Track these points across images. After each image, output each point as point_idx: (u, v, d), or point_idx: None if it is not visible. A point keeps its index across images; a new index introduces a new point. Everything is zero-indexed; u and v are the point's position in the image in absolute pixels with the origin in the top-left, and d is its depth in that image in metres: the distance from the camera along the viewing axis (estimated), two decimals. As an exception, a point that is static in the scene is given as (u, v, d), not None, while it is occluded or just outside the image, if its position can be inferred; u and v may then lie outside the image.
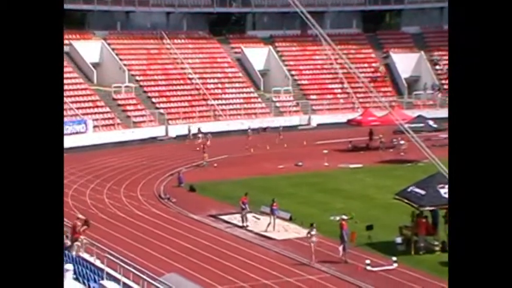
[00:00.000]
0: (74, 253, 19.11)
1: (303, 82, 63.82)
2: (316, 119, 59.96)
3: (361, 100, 61.49)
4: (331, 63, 64.64)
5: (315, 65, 65.16)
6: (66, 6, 58.21)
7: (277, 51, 65.18)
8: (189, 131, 52.75)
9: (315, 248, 24.49)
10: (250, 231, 29.14)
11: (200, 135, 50.25)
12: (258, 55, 63.71)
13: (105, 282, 14.01)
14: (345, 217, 27.07)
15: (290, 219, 30.43)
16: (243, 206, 29.79)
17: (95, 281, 15.34)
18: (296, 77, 63.86)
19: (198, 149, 46.59)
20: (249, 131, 53.10)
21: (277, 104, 60.89)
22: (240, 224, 29.72)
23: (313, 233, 24.80)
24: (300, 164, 42.56)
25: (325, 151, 45.15)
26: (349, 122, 52.92)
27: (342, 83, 63.65)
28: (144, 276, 14.00)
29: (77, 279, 12.93)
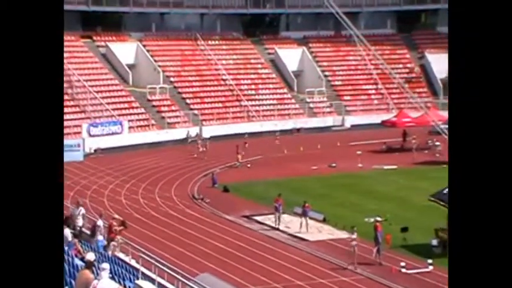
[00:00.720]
0: (110, 253, 19.37)
1: (337, 83, 63.55)
2: (350, 120, 59.65)
3: (395, 101, 60.95)
4: (365, 64, 64.24)
5: (349, 66, 64.83)
6: (103, 8, 59.17)
7: (311, 52, 65.03)
8: (188, 135, 51.70)
9: (357, 251, 24.22)
10: (284, 232, 29.14)
11: (199, 140, 48.75)
12: (291, 56, 63.66)
13: (140, 281, 14.17)
14: (379, 219, 26.90)
15: (324, 221, 30.34)
16: (277, 207, 29.80)
17: (131, 281, 15.52)
18: (330, 78, 63.62)
19: (195, 155, 46.09)
20: (277, 133, 53.12)
21: (311, 105, 60.74)
22: (274, 225, 29.74)
23: (354, 236, 24.58)
24: (334, 165, 42.39)
25: (359, 152, 44.89)
26: (383, 123, 52.50)
27: (376, 83, 63.20)
28: (179, 276, 14.12)
29: (112, 278, 13.10)
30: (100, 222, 20.92)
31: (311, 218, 29.89)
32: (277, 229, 29.34)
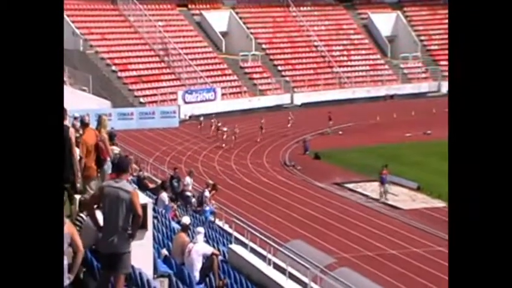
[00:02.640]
0: (202, 217, 19.90)
1: (433, 47, 61.55)
2: (447, 86, 57.75)
3: (495, 66, 58.48)
4: (464, 28, 61.78)
5: (446, 30, 62.52)
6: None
7: (406, 16, 63.17)
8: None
9: None
10: (376, 199, 28.86)
11: (213, 120, 43.22)
12: (385, 21, 62.12)
13: (233, 246, 14.50)
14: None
15: (418, 189, 29.80)
16: (383, 178, 28.80)
17: (224, 245, 15.93)
18: (425, 42, 61.71)
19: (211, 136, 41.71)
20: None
21: (405, 71, 59.25)
22: (377, 197, 28.97)
23: None
24: (429, 132, 41.35)
25: (456, 119, 43.30)
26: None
27: (475, 48, 60.75)
28: (271, 242, 14.32)
29: (207, 242, 13.49)
30: (207, 193, 21.17)
31: (404, 186, 29.42)
32: (380, 201, 28.49)
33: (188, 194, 21.45)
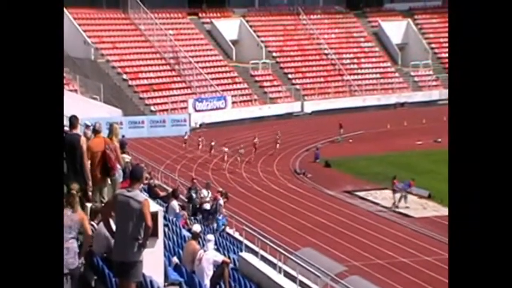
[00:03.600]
0: (215, 225, 19.92)
1: (444, 55, 61.43)
2: (457, 94, 57.60)
3: (506, 73, 58.29)
4: (474, 35, 61.63)
5: (457, 37, 62.37)
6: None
7: (417, 24, 63.13)
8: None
9: None
10: (388, 208, 28.79)
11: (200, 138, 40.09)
12: (396, 28, 62.09)
13: (244, 254, 14.51)
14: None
15: (429, 197, 29.70)
16: (396, 189, 28.92)
17: (234, 253, 15.93)
18: (436, 50, 61.59)
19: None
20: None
21: (416, 79, 59.16)
22: (390, 206, 28.89)
23: None
24: (440, 140, 41.19)
25: (467, 127, 43.19)
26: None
27: (486, 55, 60.58)
28: (281, 250, 14.32)
29: (217, 250, 13.51)
30: (221, 202, 20.99)
31: (415, 195, 29.34)
32: (391, 209, 28.45)
33: (207, 207, 21.06)
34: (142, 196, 7.40)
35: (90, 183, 9.67)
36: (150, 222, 7.10)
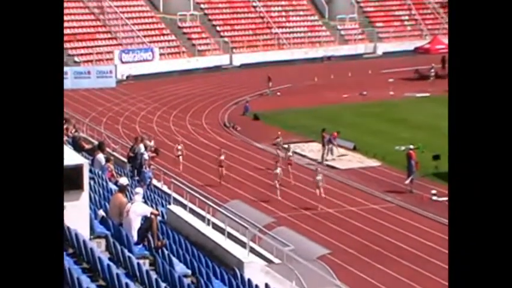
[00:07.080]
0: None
1: (369, 9, 62.10)
2: (382, 47, 58.57)
3: (429, 27, 59.54)
4: (400, -11, 62.50)
5: (383, -9, 63.11)
6: None
7: (344, -23, 63.33)
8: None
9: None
10: (314, 160, 29.25)
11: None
12: (323, -19, 62.12)
13: (172, 206, 14.47)
14: (412, 147, 26.75)
15: (354, 149, 30.36)
16: (325, 141, 28.88)
17: (163, 206, 15.87)
18: (362, 4, 62.16)
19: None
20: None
21: (342, 32, 59.70)
22: (320, 159, 28.96)
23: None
24: (365, 93, 42.00)
25: (391, 80, 44.23)
26: (416, 50, 51.39)
27: (410, 9, 61.60)
28: (209, 202, 14.36)
29: (145, 203, 13.40)
30: (146, 156, 20.49)
31: (341, 146, 29.91)
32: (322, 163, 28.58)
33: (145, 170, 20.30)
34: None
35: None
36: None
